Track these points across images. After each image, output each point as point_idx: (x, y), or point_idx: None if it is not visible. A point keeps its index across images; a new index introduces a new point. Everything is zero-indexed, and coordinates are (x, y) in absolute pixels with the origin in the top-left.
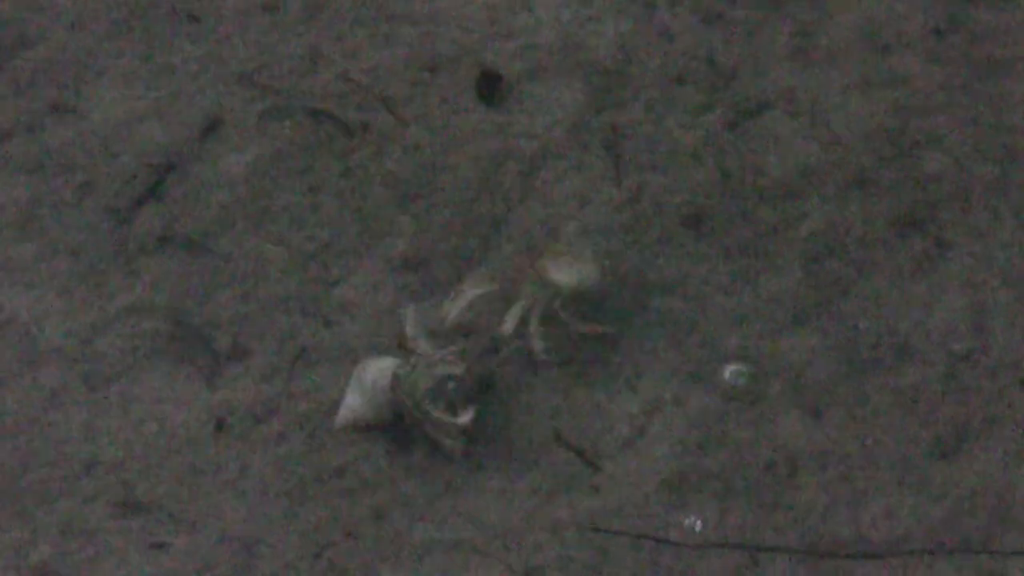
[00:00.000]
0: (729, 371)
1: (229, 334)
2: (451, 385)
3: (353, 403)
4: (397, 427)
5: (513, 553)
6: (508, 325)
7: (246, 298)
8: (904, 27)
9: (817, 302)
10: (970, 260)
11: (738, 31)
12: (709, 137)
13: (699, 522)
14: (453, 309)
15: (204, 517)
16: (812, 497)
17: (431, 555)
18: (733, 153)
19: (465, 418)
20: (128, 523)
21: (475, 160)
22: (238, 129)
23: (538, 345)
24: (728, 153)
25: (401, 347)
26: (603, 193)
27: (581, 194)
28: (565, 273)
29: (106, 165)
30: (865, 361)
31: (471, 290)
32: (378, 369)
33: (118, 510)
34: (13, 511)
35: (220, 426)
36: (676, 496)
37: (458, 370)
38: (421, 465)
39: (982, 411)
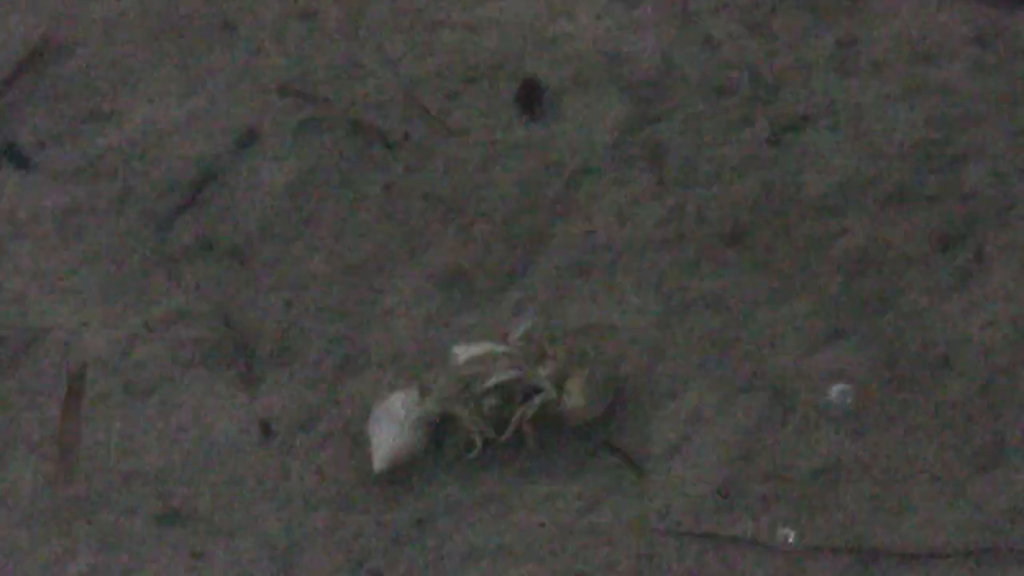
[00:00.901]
0: (835, 391)
1: (272, 342)
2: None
3: (389, 442)
4: (440, 431)
5: (559, 558)
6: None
7: (289, 306)
8: (947, 37)
9: (857, 316)
10: (1010, 274)
11: (781, 41)
12: (751, 151)
13: (792, 533)
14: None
15: (244, 526)
16: (855, 506)
17: (475, 562)
18: (774, 167)
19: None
20: (168, 533)
21: (516, 173)
22: (276, 139)
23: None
24: (769, 167)
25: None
26: (645, 208)
27: (622, 209)
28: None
29: (145, 173)
30: (905, 375)
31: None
32: (402, 402)
33: (158, 520)
34: (51, 523)
35: (265, 432)
36: (721, 503)
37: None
38: (466, 472)
39: (1022, 425)
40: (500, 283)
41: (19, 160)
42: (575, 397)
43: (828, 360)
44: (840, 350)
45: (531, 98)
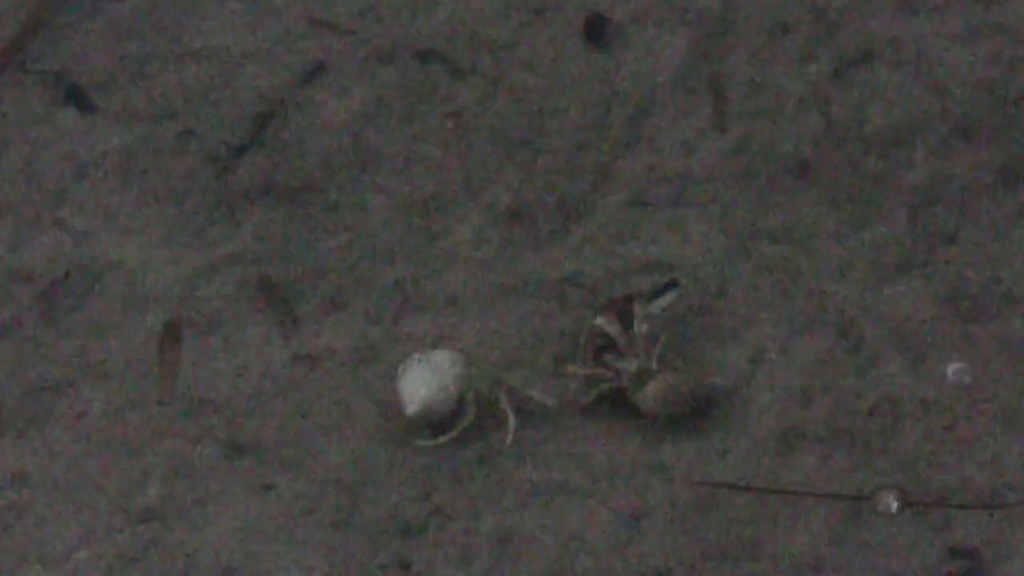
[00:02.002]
0: (952, 370)
1: (332, 282)
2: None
3: (425, 389)
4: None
5: (619, 496)
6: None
7: (349, 247)
8: None
9: (922, 250)
10: None
11: None
12: (814, 86)
13: (896, 502)
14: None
15: (310, 460)
16: (916, 445)
17: (536, 498)
18: (838, 102)
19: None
20: (235, 464)
21: (581, 105)
22: (341, 74)
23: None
24: (833, 102)
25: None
26: (708, 141)
27: (688, 141)
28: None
29: (206, 113)
30: (970, 309)
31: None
32: (449, 359)
33: (225, 451)
34: (121, 453)
35: (326, 370)
36: (782, 443)
37: None
38: (528, 408)
39: None
40: (560, 222)
41: (81, 101)
42: (650, 401)
43: (893, 295)
44: (906, 283)
45: (596, 31)
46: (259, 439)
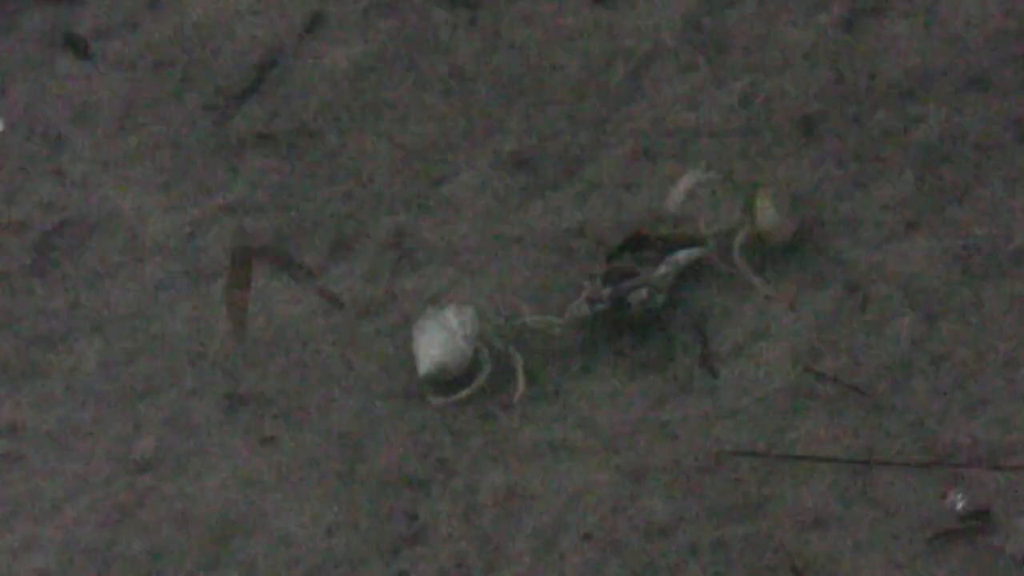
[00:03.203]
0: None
1: (332, 231)
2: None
3: (438, 350)
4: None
5: (623, 454)
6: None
7: (350, 196)
8: None
9: (932, 207)
10: None
11: None
12: (822, 38)
13: (961, 501)
14: (675, 195)
15: (311, 413)
16: (925, 403)
17: (538, 456)
18: (847, 54)
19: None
20: (235, 417)
21: (583, 58)
22: (342, 24)
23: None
24: (842, 54)
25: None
26: (713, 95)
27: (691, 95)
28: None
29: (206, 61)
30: (980, 267)
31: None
32: (457, 317)
33: (224, 404)
34: (117, 404)
35: (327, 322)
36: (790, 401)
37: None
38: (530, 367)
39: None
40: (564, 171)
41: (79, 49)
42: (769, 213)
43: (902, 252)
44: (914, 242)
45: None
46: (259, 391)
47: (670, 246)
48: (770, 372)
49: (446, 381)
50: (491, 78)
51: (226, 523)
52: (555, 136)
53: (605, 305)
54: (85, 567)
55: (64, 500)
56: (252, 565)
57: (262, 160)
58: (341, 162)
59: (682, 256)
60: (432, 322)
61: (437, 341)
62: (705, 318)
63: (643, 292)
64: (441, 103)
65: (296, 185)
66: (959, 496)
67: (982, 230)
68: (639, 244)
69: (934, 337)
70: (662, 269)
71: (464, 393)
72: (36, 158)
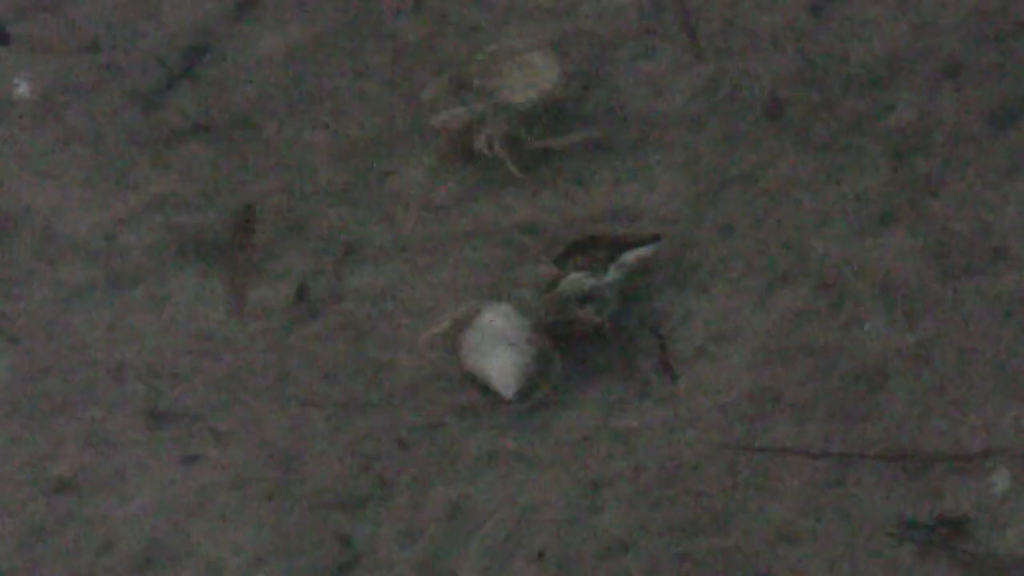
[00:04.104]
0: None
1: (268, 229)
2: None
3: (511, 365)
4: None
5: (579, 465)
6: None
7: (287, 190)
8: None
9: (906, 200)
10: None
11: None
12: (790, 21)
13: (1008, 476)
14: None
15: (241, 428)
16: (903, 408)
17: (490, 467)
18: (816, 38)
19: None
20: (158, 434)
21: (536, 41)
22: (278, 5)
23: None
24: (810, 38)
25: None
26: (675, 80)
27: (653, 80)
28: (520, 90)
29: (131, 44)
30: (958, 264)
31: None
32: (504, 320)
33: (146, 419)
34: (32, 420)
35: (261, 327)
36: (756, 407)
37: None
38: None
39: None
40: (517, 163)
41: None
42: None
43: (876, 248)
44: (889, 237)
45: None
46: (184, 405)
47: (620, 246)
48: (734, 376)
49: (534, 386)
50: (437, 64)
51: (149, 549)
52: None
53: (552, 319)
54: None
55: None
56: None
57: (193, 152)
58: (279, 154)
59: (632, 257)
60: (486, 339)
61: (507, 358)
62: (663, 319)
63: (591, 311)
64: (386, 91)
65: (230, 179)
66: (1006, 468)
67: (960, 224)
68: (588, 246)
69: (911, 336)
70: (611, 275)
71: (544, 391)
72: None
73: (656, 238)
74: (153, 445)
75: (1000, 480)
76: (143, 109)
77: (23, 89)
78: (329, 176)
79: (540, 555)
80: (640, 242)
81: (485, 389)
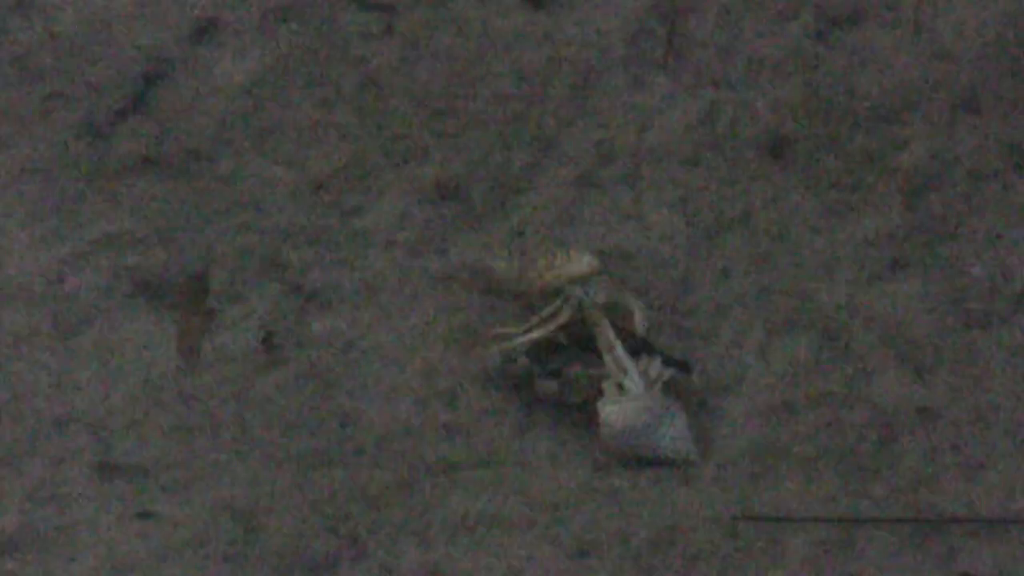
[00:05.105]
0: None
1: (226, 270)
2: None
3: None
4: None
5: (564, 527)
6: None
7: (246, 229)
8: None
9: (920, 243)
10: None
11: None
12: (795, 49)
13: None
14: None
15: (198, 483)
16: (915, 466)
17: (467, 530)
18: (823, 69)
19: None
20: (108, 489)
21: (518, 71)
22: (237, 30)
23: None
24: (817, 69)
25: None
26: (668, 113)
27: (642, 113)
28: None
29: (81, 73)
30: (976, 311)
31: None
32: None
33: (96, 474)
34: None
35: (219, 376)
36: (758, 464)
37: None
38: (458, 425)
39: None
40: (497, 200)
41: None
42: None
43: (886, 295)
44: (900, 283)
45: None
46: (136, 458)
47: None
48: (735, 430)
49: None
50: (411, 93)
51: None
52: (485, 160)
53: (523, 370)
54: None
55: None
56: None
57: (146, 187)
58: (238, 190)
59: (655, 373)
60: (640, 409)
61: (676, 425)
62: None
63: (554, 386)
64: (353, 122)
65: (185, 217)
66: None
67: (978, 269)
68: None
69: (924, 391)
70: (652, 374)
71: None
72: None
73: (686, 368)
74: (103, 500)
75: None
76: (92, 141)
77: None
78: (291, 214)
79: None
80: (672, 363)
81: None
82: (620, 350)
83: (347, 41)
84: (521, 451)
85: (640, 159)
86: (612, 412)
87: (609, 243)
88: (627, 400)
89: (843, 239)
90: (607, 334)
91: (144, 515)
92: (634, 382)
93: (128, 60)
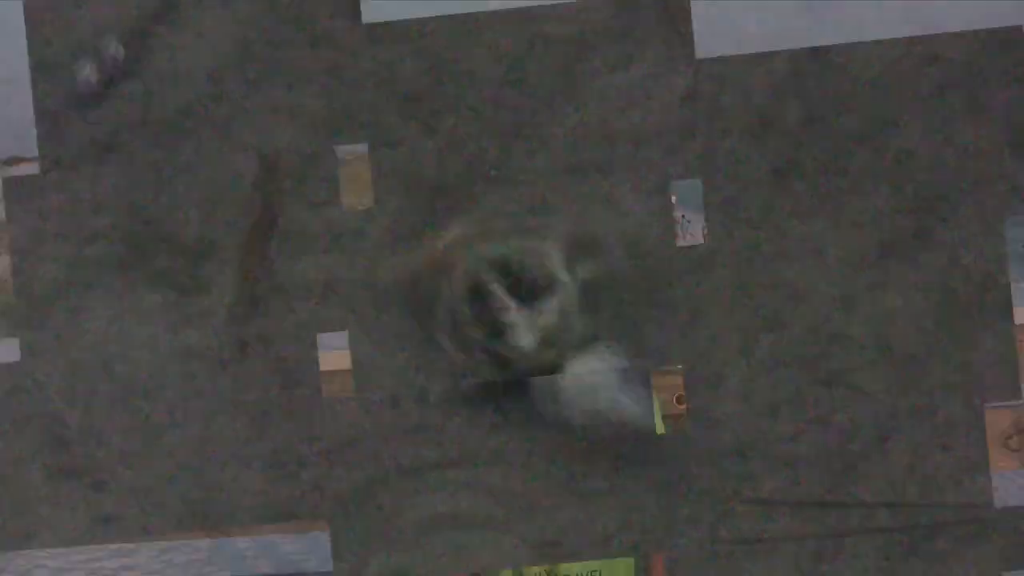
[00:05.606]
0: None
1: (190, 260)
2: None
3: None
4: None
5: (536, 526)
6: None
7: (210, 217)
8: None
9: (911, 230)
10: None
11: None
12: (784, 19)
13: None
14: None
15: (160, 481)
16: (903, 467)
17: (436, 532)
18: (807, 40)
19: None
20: (66, 487)
21: (496, 50)
22: (198, 9)
23: None
24: (801, 40)
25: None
26: (659, 89)
27: (631, 91)
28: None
29: (37, 53)
30: (969, 304)
31: None
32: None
33: (53, 474)
34: None
35: (183, 369)
36: (741, 464)
37: None
38: (427, 425)
39: None
40: (474, 188)
41: None
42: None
43: (873, 286)
44: (888, 272)
45: None
46: (95, 459)
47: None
48: (715, 432)
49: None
50: (380, 75)
51: None
52: (459, 147)
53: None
54: None
55: None
56: None
57: (104, 173)
58: (199, 177)
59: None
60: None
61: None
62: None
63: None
64: (320, 108)
65: (144, 205)
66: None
67: (970, 258)
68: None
69: (913, 388)
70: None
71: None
72: None
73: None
74: (61, 501)
75: None
76: (49, 125)
77: None
78: (251, 204)
79: None
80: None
81: None
82: (514, 307)
83: (313, 21)
84: (493, 451)
85: (622, 142)
86: (576, 364)
87: (587, 232)
88: (591, 358)
89: (831, 228)
90: (499, 293)
91: (107, 519)
92: (525, 338)
93: (85, 42)
